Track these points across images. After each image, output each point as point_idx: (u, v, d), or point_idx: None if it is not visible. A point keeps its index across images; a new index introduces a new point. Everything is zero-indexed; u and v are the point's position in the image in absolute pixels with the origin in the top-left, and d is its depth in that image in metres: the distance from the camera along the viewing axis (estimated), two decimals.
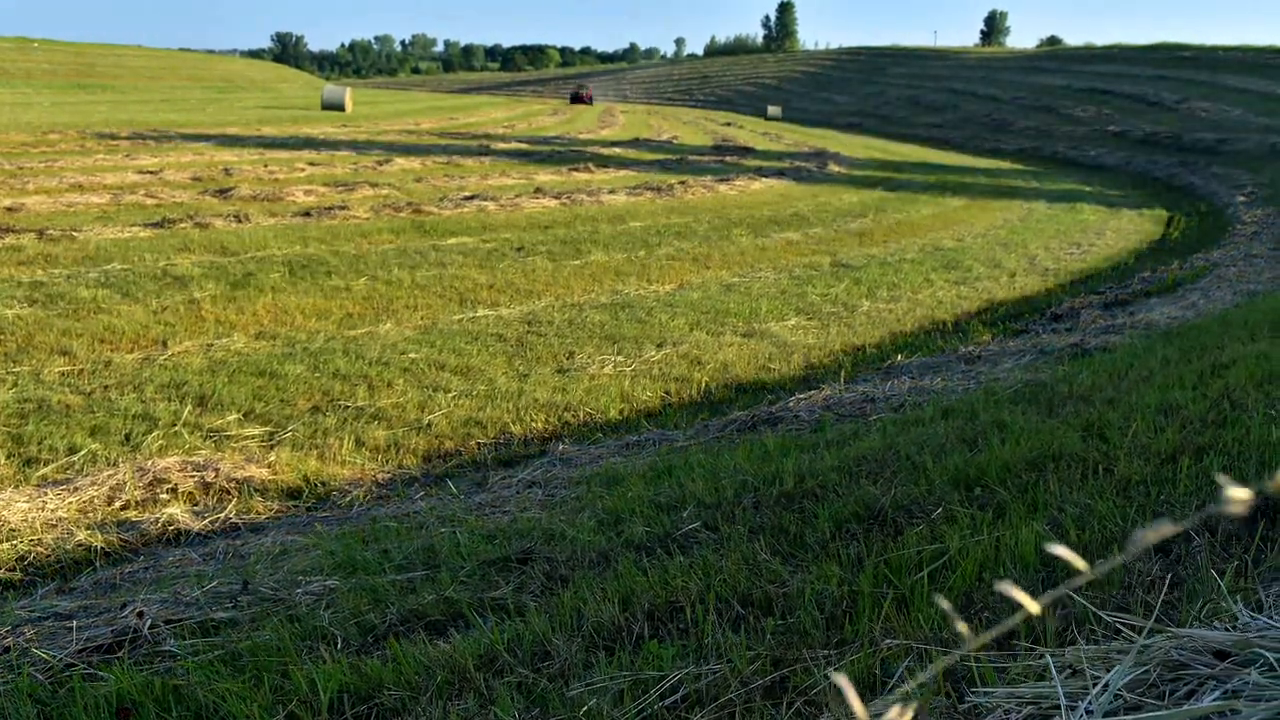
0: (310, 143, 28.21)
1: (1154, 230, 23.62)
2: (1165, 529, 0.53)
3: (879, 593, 2.28)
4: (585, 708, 1.93)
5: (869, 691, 1.80)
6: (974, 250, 18.60)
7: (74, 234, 12.87)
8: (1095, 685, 1.23)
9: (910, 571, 2.37)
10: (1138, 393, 4.48)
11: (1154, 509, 2.57)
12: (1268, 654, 1.24)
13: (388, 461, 7.00)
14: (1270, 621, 1.37)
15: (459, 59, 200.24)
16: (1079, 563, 0.54)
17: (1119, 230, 23.09)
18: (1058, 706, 1.24)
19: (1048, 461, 3.23)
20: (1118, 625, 1.56)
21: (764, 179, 26.05)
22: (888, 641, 1.96)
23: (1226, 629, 1.39)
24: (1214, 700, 1.15)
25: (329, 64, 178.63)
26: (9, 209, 14.57)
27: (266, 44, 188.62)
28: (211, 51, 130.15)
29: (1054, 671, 1.34)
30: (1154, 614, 1.54)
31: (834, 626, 2.17)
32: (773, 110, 67.61)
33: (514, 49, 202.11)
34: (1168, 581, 2.09)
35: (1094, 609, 1.70)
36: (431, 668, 2.27)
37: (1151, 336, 7.96)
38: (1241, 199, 28.08)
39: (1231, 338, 6.36)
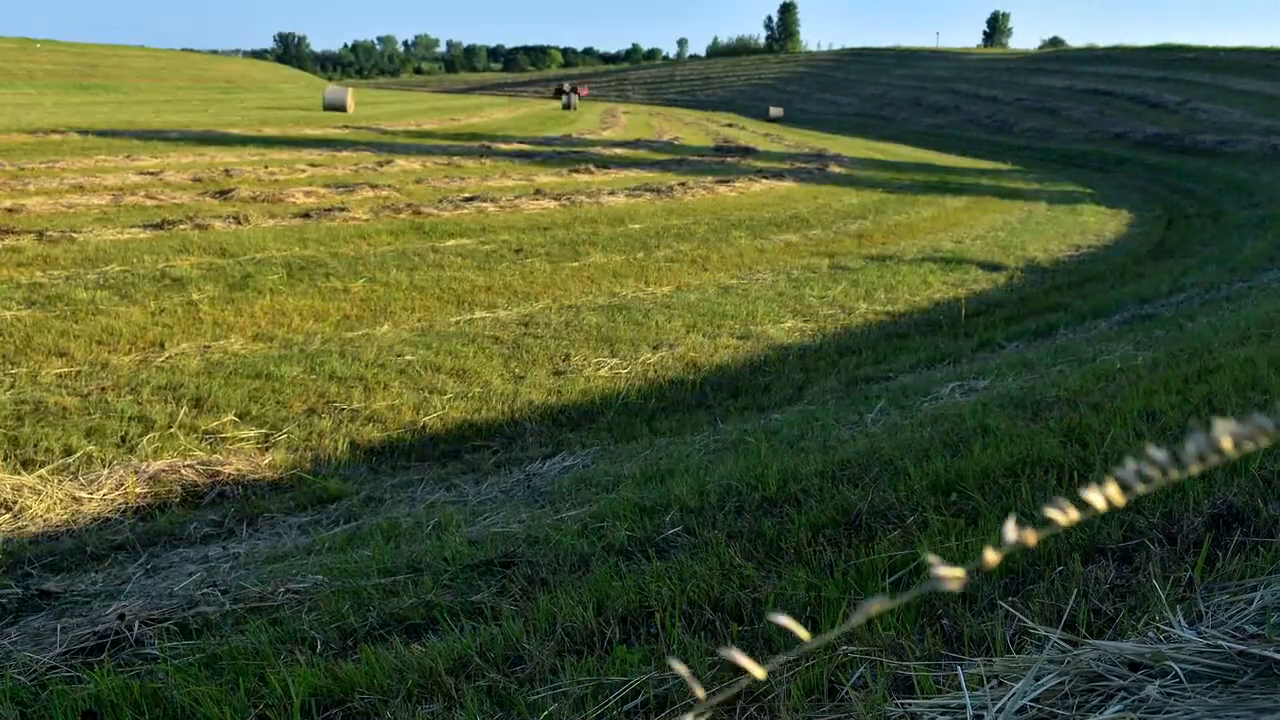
0: (311, 143, 28.26)
1: (1154, 232, 23.63)
2: (877, 606, 0.57)
3: (845, 599, 2.31)
4: (547, 712, 1.97)
5: (825, 697, 1.84)
6: (973, 252, 18.62)
7: (73, 235, 12.92)
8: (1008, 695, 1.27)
9: (879, 578, 2.41)
10: (1122, 397, 4.51)
11: (1120, 517, 2.60)
12: (1176, 666, 1.28)
13: (382, 464, 7.04)
14: (1189, 635, 1.40)
15: (461, 59, 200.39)
16: (802, 633, 0.57)
17: (1119, 233, 23.10)
18: (979, 714, 1.27)
19: (1026, 467, 3.26)
20: (1047, 637, 1.59)
21: (764, 180, 26.07)
22: (845, 648, 2.00)
23: (1160, 640, 1.42)
24: (1115, 712, 1.18)
25: (331, 64, 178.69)
26: (9, 210, 14.62)
27: (269, 44, 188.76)
28: (214, 52, 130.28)
29: (962, 682, 1.38)
30: (1060, 624, 1.57)
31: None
32: (774, 111, 67.63)
33: (516, 49, 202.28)
34: (1120, 591, 2.12)
35: (1031, 622, 1.73)
36: (404, 671, 2.31)
37: (1143, 339, 7.98)
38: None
39: (1221, 342, 6.39)
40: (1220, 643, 1.32)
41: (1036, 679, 1.29)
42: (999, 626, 1.88)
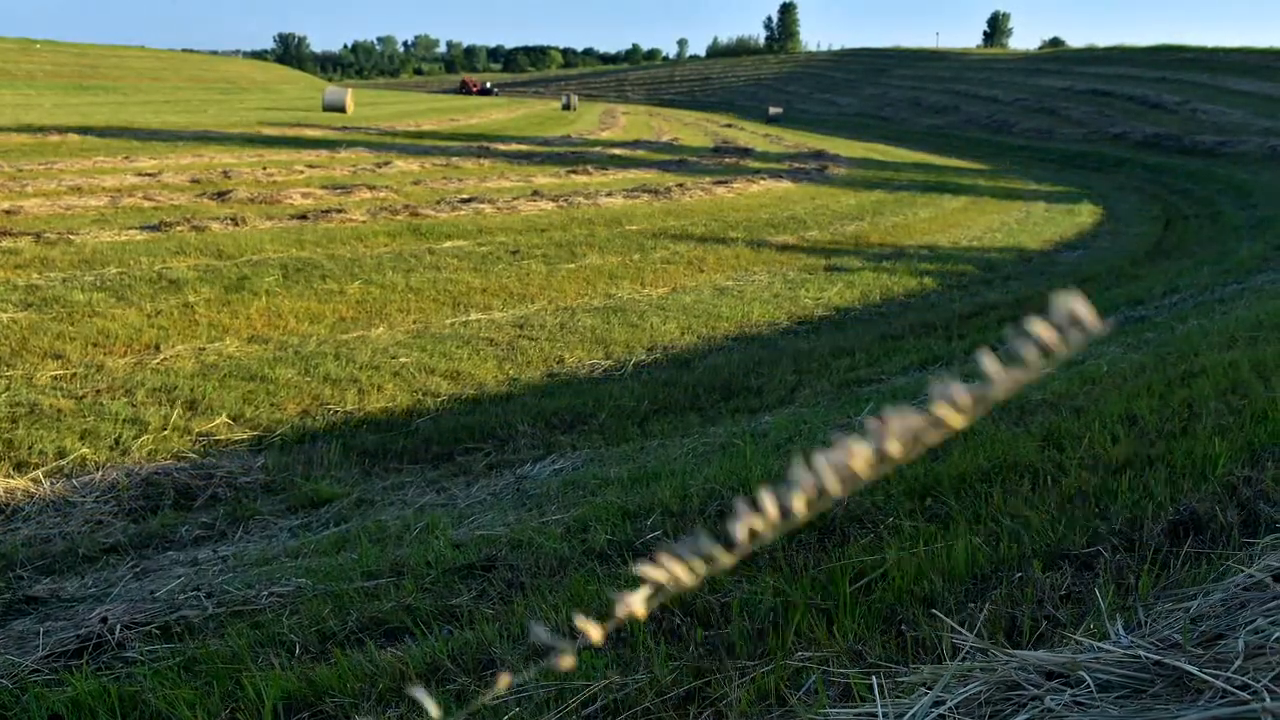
0: (309, 144, 28.30)
1: (1152, 233, 23.65)
2: (504, 680, 0.61)
3: (811, 604, 2.34)
4: (509, 715, 2.01)
5: (778, 703, 1.87)
6: (970, 254, 18.66)
7: (71, 237, 12.95)
8: (935, 704, 1.30)
9: (845, 583, 2.43)
10: (1105, 400, 4.54)
11: (1086, 523, 2.63)
12: (1089, 676, 1.31)
13: (374, 466, 7.07)
14: (1109, 645, 1.43)
15: (461, 60, 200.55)
16: (434, 710, 0.60)
17: (1116, 233, 23.13)
18: None
19: (1002, 472, 3.29)
20: (977, 647, 1.62)
21: (763, 181, 26.10)
22: (802, 654, 2.03)
23: (1088, 649, 1.45)
24: None
25: (331, 65, 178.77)
26: (7, 212, 14.66)
27: (269, 45, 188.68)
28: (215, 52, 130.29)
29: (876, 691, 1.41)
30: (975, 630, 1.60)
31: (760, 638, 2.24)
32: (774, 111, 67.65)
33: (516, 50, 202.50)
34: (1075, 597, 2.15)
35: (965, 631, 1.76)
36: (376, 676, 2.35)
37: (1133, 341, 8.01)
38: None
39: (1209, 345, 6.42)
40: (1139, 652, 1.35)
41: (947, 688, 1.32)
42: (946, 634, 1.91)
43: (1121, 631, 1.56)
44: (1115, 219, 25.60)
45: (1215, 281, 13.49)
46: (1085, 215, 25.69)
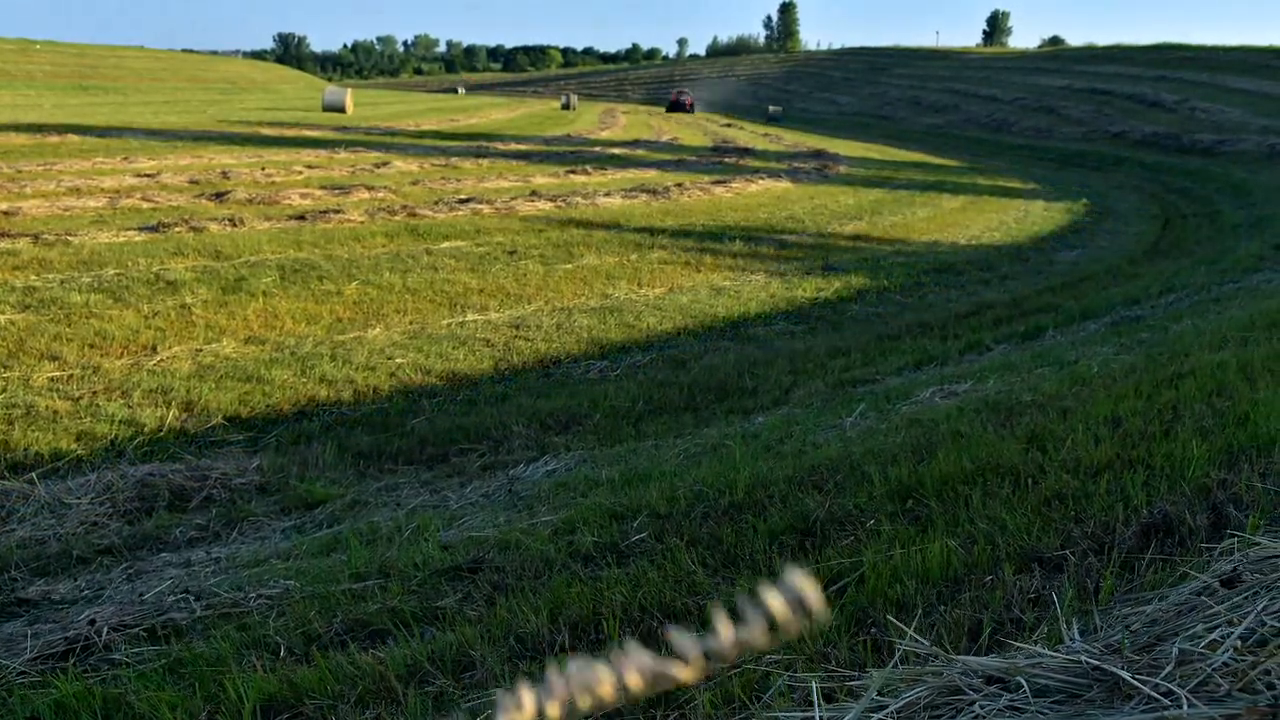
0: (308, 144, 28.33)
1: (1150, 232, 23.67)
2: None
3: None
4: (483, 716, 2.04)
5: (740, 708, 1.90)
6: (967, 253, 18.67)
7: (69, 238, 12.98)
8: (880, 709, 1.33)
9: (823, 586, 2.46)
10: (1093, 402, 4.56)
11: (1061, 526, 2.66)
12: (1025, 681, 1.34)
13: (369, 467, 7.09)
14: (1047, 651, 1.45)
15: (461, 60, 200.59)
16: None
17: (1115, 232, 23.15)
18: None
19: (985, 474, 3.31)
20: (929, 653, 1.65)
21: (761, 180, 26.12)
22: (771, 657, 2.06)
23: (1033, 654, 1.48)
24: None
25: (331, 64, 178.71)
26: (6, 213, 14.68)
27: (269, 45, 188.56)
28: (214, 52, 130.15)
29: (816, 695, 1.44)
30: (936, 634, 1.64)
31: None
32: (773, 111, 67.67)
33: (516, 49, 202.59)
34: (1044, 601, 2.18)
35: (917, 636, 1.79)
36: (357, 678, 2.38)
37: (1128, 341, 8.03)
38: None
39: (1201, 345, 6.44)
40: (1081, 657, 1.37)
41: (893, 692, 1.35)
42: (907, 638, 1.94)
43: (1076, 635, 1.59)
44: (1114, 218, 25.62)
45: (1211, 281, 13.50)
46: (1083, 214, 25.70)
